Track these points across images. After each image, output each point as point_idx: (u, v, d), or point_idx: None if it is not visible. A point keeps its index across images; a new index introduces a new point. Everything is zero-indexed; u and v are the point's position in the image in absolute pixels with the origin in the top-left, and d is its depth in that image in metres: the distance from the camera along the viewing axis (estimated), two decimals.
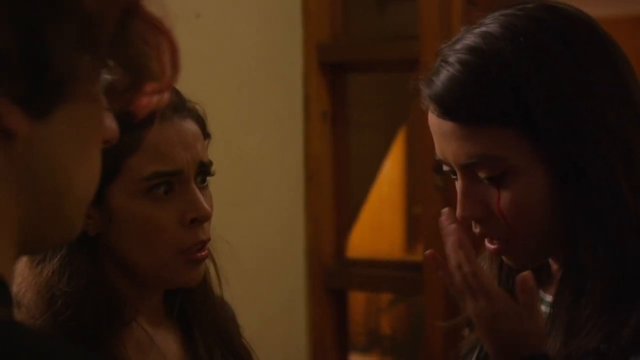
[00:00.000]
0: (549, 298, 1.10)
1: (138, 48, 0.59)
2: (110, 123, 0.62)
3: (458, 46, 1.02)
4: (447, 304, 2.63)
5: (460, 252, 1.04)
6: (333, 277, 2.84)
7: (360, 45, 2.87)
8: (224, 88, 2.44)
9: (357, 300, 4.42)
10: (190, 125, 1.10)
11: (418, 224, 5.17)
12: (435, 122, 1.04)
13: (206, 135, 1.15)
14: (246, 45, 2.54)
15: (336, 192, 2.87)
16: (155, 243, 1.05)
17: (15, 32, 0.54)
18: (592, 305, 1.00)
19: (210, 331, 1.17)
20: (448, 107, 1.01)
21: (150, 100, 0.62)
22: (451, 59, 1.01)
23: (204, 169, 1.11)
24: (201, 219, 1.08)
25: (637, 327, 0.96)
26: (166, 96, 0.63)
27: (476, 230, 1.05)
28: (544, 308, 1.10)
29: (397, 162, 5.21)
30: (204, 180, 1.12)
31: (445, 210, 1.06)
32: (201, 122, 1.14)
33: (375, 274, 2.87)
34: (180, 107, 1.09)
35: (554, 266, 1.10)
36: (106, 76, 0.60)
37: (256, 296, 2.61)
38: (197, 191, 1.09)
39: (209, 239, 1.10)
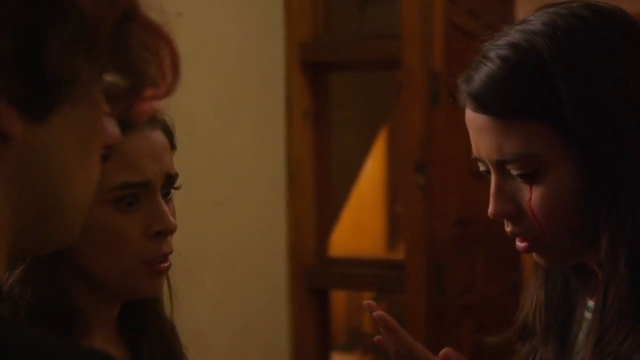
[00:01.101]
0: (592, 304, 1.09)
1: (137, 53, 0.59)
2: (112, 128, 0.62)
3: (499, 42, 1.03)
4: (427, 302, 2.65)
5: (392, 336, 1.12)
6: (315, 276, 2.84)
7: (342, 45, 2.88)
8: (206, 87, 2.44)
9: (338, 299, 4.43)
10: (160, 137, 1.10)
11: (399, 222, 5.18)
12: (471, 117, 1.04)
13: (173, 147, 1.15)
14: (228, 44, 2.54)
15: (318, 192, 2.87)
16: (120, 253, 1.05)
17: (12, 33, 0.54)
18: (615, 312, 0.99)
19: (158, 349, 1.17)
20: (483, 101, 1.01)
21: (150, 105, 0.62)
22: (491, 54, 1.02)
23: (170, 181, 1.11)
24: (166, 231, 1.08)
25: None
26: (166, 102, 0.62)
27: (508, 229, 1.06)
28: (588, 315, 1.09)
29: (378, 161, 5.23)
30: (168, 193, 1.11)
31: (366, 302, 1.14)
32: (169, 133, 1.13)
33: (357, 272, 2.88)
34: (151, 117, 1.09)
35: (597, 269, 1.10)
36: (107, 81, 0.59)
37: (239, 295, 2.61)
38: (164, 203, 1.08)
39: (171, 251, 1.10)
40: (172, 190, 1.12)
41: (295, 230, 2.81)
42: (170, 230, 1.08)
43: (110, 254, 1.05)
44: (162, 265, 1.09)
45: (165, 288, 1.16)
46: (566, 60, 0.98)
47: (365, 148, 4.27)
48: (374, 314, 1.14)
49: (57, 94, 0.56)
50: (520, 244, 1.05)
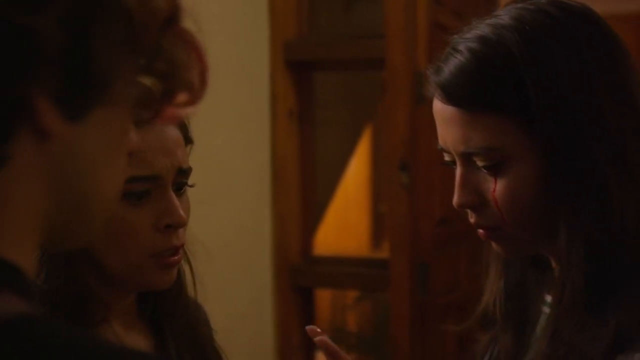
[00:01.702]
0: (549, 299, 1.11)
1: (175, 58, 0.60)
2: (134, 135, 0.63)
3: (468, 35, 1.05)
4: (412, 300, 2.66)
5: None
6: (299, 275, 2.85)
7: (327, 44, 2.88)
8: None
9: (322, 298, 4.43)
10: (172, 131, 1.11)
11: (383, 221, 5.20)
12: (439, 108, 1.06)
13: (188, 140, 1.15)
14: (212, 43, 2.52)
15: (302, 190, 2.88)
16: (129, 246, 1.06)
17: (62, 32, 0.54)
18: (571, 303, 1.01)
19: (183, 334, 1.18)
20: (453, 93, 1.03)
21: (177, 112, 0.63)
22: (460, 47, 1.04)
23: (182, 175, 1.11)
24: (176, 225, 1.09)
25: (618, 327, 0.97)
26: (193, 109, 0.63)
27: (471, 219, 1.08)
28: (546, 309, 1.11)
29: (362, 160, 5.23)
30: (180, 188, 1.12)
31: (309, 328, 1.19)
32: (183, 127, 1.14)
33: (342, 271, 2.89)
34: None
35: (554, 263, 1.12)
36: (140, 84, 0.60)
37: (223, 294, 2.61)
38: (174, 197, 1.09)
39: (182, 245, 1.11)
40: (186, 187, 1.13)
41: (280, 229, 2.82)
42: (180, 224, 1.09)
43: (120, 247, 1.06)
44: (172, 258, 1.09)
45: (189, 276, 1.18)
46: (534, 56, 1.00)
47: (349, 147, 4.27)
48: (316, 339, 1.17)
49: (97, 94, 0.57)
50: (481, 231, 1.08)
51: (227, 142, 2.60)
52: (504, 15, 1.05)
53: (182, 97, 0.62)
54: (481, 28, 1.05)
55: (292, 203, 2.84)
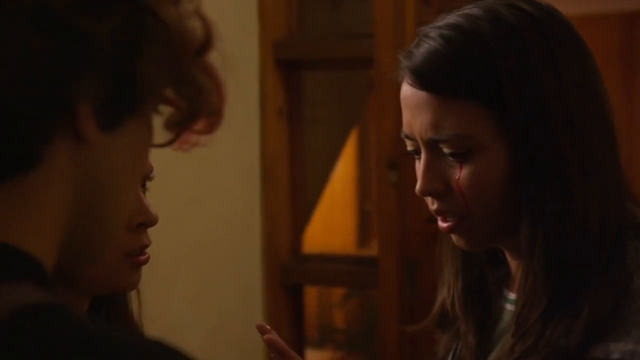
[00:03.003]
0: (512, 296, 1.12)
1: (202, 84, 0.62)
2: (149, 159, 0.65)
3: (440, 24, 1.05)
4: (400, 298, 2.67)
5: (282, 358, 1.18)
6: (289, 273, 2.86)
7: (316, 43, 2.90)
8: None
9: (310, 295, 4.44)
10: None
11: (369, 220, 5.21)
12: (409, 94, 1.06)
13: None
14: None
15: (292, 189, 2.89)
16: None
17: (115, 42, 0.56)
18: (532, 295, 1.02)
19: None
20: (424, 77, 1.03)
21: (196, 138, 0.64)
22: (432, 34, 1.04)
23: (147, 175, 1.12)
24: (149, 223, 1.09)
25: (590, 318, 0.98)
26: (209, 138, 0.65)
27: (433, 207, 1.07)
28: (509, 307, 1.12)
29: (349, 159, 5.25)
30: (143, 185, 1.12)
31: (258, 324, 1.20)
32: None
33: (331, 269, 2.90)
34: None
35: (512, 259, 1.12)
36: (167, 105, 0.62)
37: (213, 292, 2.62)
38: (144, 196, 1.10)
39: (150, 244, 1.11)
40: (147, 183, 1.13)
41: (270, 227, 2.83)
42: (152, 222, 1.10)
43: None
44: (142, 257, 1.09)
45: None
46: (508, 47, 1.02)
47: (337, 146, 4.28)
48: (264, 337, 1.17)
49: (132, 108, 0.59)
50: (442, 224, 1.07)
51: (216, 140, 2.60)
52: (474, 8, 1.06)
53: (201, 124, 0.63)
54: (453, 18, 1.05)
55: (282, 201, 2.85)
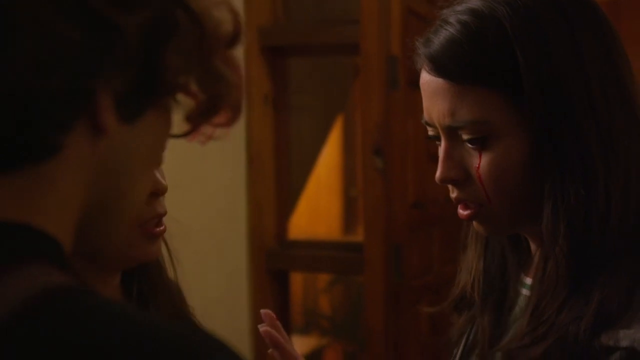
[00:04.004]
0: (528, 281, 1.11)
1: (227, 78, 0.62)
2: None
3: (459, 8, 1.03)
4: (386, 283, 2.69)
5: (277, 351, 1.17)
6: (274, 259, 2.87)
7: (301, 30, 2.90)
8: None
9: (295, 281, 4.45)
10: None
11: (355, 206, 5.22)
12: (426, 80, 1.04)
13: None
14: None
15: (278, 175, 2.90)
16: None
17: (142, 37, 0.56)
18: (552, 282, 1.01)
19: (168, 313, 1.18)
20: (441, 64, 1.02)
21: (212, 131, 0.64)
22: (451, 19, 1.02)
23: None
24: (159, 192, 1.09)
25: (600, 305, 0.97)
26: (225, 132, 0.65)
27: (453, 194, 1.06)
28: (525, 292, 1.11)
29: (334, 145, 5.25)
30: None
31: (263, 311, 1.18)
32: None
33: (317, 255, 2.91)
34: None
35: (533, 244, 1.11)
36: (190, 98, 0.62)
37: (199, 278, 2.62)
38: None
39: (165, 212, 1.11)
40: None
41: (255, 213, 2.84)
42: (162, 190, 1.09)
43: None
44: (157, 229, 1.09)
45: (165, 253, 1.17)
46: (526, 32, 0.99)
47: (323, 132, 4.28)
48: (262, 329, 1.17)
49: (153, 101, 0.59)
50: (462, 212, 1.06)
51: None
52: None
53: (221, 117, 0.63)
54: (473, 2, 1.03)
55: (267, 187, 2.86)
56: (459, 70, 1.00)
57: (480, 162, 1.02)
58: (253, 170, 2.82)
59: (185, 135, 0.64)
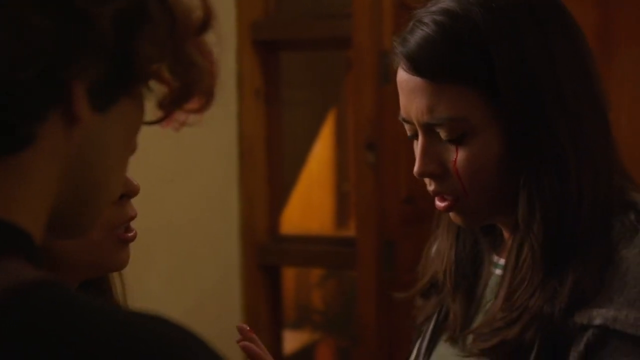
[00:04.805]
0: (502, 262, 1.14)
1: (198, 64, 0.62)
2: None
3: (433, 8, 1.07)
4: (378, 278, 2.69)
5: None
6: (267, 254, 2.87)
7: (293, 24, 2.89)
8: None
9: (287, 276, 4.45)
10: None
11: (347, 201, 5.22)
12: (404, 79, 1.08)
13: None
14: None
15: (270, 170, 2.89)
16: None
17: (114, 26, 0.56)
18: (527, 269, 1.05)
19: None
20: (419, 63, 1.05)
21: (185, 117, 0.64)
22: (426, 19, 1.06)
23: None
24: (130, 194, 1.07)
25: (575, 285, 1.01)
26: (198, 118, 0.65)
27: (430, 187, 1.10)
28: (498, 272, 1.14)
29: (326, 140, 5.25)
30: None
31: (239, 325, 1.19)
32: None
33: (309, 249, 2.91)
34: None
35: (506, 232, 1.15)
36: (162, 85, 0.62)
37: (191, 273, 2.62)
38: None
39: (136, 215, 1.09)
40: None
41: (247, 208, 2.83)
42: (134, 193, 1.08)
43: None
44: (129, 234, 1.08)
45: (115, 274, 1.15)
46: (500, 31, 1.04)
47: (315, 127, 4.28)
48: (240, 344, 1.17)
49: (126, 89, 0.60)
50: (440, 204, 1.10)
51: (194, 121, 2.60)
52: None
53: (194, 103, 0.64)
54: (446, 2, 1.07)
55: (259, 182, 2.85)
56: (435, 69, 1.05)
57: (457, 157, 1.06)
58: (245, 165, 2.82)
59: (158, 122, 0.64)
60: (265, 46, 2.84)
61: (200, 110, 0.65)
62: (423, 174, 1.09)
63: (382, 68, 2.65)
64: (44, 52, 0.55)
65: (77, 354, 0.50)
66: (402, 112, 1.10)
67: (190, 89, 0.63)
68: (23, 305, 0.52)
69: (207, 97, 0.65)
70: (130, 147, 0.65)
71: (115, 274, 1.15)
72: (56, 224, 0.63)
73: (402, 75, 1.08)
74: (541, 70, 1.04)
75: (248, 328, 1.19)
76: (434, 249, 1.24)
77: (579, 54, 1.08)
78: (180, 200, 2.55)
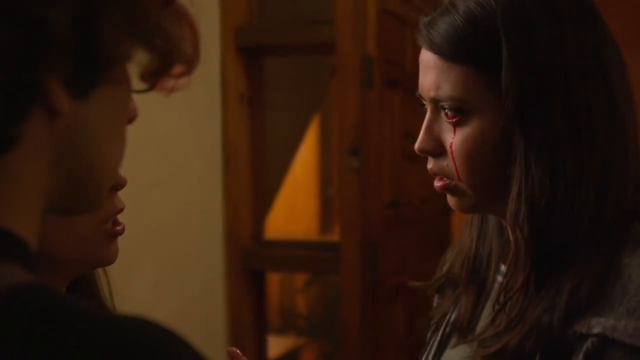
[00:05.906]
0: (504, 268, 1.14)
1: (171, 33, 0.63)
2: (133, 104, 0.65)
3: None
4: (362, 282, 2.70)
5: None
6: (251, 258, 2.87)
7: (277, 29, 2.90)
8: None
9: (272, 281, 4.46)
10: None
11: (331, 206, 5.23)
12: (423, 55, 1.11)
13: None
14: None
15: (254, 174, 2.90)
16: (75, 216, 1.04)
17: (72, 21, 0.57)
18: (519, 270, 1.05)
19: None
20: (433, 40, 1.08)
21: (175, 82, 0.65)
22: (460, 5, 1.08)
23: None
24: (118, 186, 1.08)
25: (572, 294, 1.01)
26: (188, 80, 0.66)
27: (429, 166, 1.12)
28: (499, 279, 1.14)
29: (310, 145, 5.26)
30: None
31: (229, 349, 1.18)
32: None
33: (293, 254, 2.92)
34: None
35: (511, 236, 1.13)
36: (140, 58, 0.63)
37: (175, 277, 2.62)
38: None
39: (124, 207, 1.09)
40: None
41: (231, 213, 2.84)
42: (122, 184, 1.09)
43: (64, 219, 1.03)
44: (117, 228, 1.08)
45: (100, 271, 1.15)
46: (514, 18, 1.04)
47: (299, 132, 4.29)
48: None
49: (102, 74, 0.60)
50: (437, 183, 1.11)
51: (179, 126, 2.61)
52: None
53: (178, 68, 0.65)
54: None
55: (244, 187, 2.86)
56: (447, 46, 1.07)
57: (454, 138, 1.07)
58: (229, 170, 2.83)
59: (146, 91, 0.65)
60: (249, 52, 2.86)
61: (187, 72, 0.66)
62: (422, 150, 1.10)
63: (365, 74, 2.66)
64: (9, 59, 0.56)
65: (66, 355, 0.51)
66: (419, 88, 1.12)
67: (168, 60, 0.63)
68: (12, 309, 0.53)
69: (191, 62, 0.65)
70: (123, 118, 0.66)
71: (102, 278, 1.16)
72: (60, 207, 0.63)
73: (423, 53, 1.11)
74: (551, 67, 1.03)
75: (238, 351, 1.18)
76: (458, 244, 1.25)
77: (596, 53, 1.06)
78: (165, 205, 2.56)
